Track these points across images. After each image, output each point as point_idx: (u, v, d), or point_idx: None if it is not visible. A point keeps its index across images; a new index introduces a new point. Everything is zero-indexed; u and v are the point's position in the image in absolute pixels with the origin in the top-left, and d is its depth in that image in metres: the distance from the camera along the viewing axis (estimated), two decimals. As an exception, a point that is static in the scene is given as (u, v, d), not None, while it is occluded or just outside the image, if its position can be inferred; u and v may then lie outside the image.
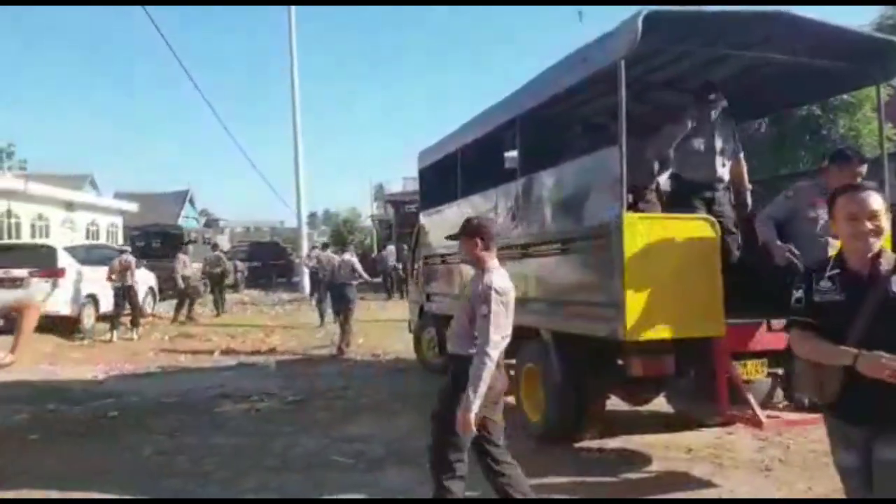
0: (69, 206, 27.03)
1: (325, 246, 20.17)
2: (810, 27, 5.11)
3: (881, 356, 2.50)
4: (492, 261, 3.85)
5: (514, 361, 6.56)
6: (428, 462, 3.90)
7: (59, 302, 13.56)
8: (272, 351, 12.49)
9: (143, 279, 15.97)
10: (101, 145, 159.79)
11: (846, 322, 2.58)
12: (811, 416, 5.10)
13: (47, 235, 24.38)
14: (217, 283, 18.85)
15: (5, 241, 20.96)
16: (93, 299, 14.56)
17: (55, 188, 26.49)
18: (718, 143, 5.79)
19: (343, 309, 12.43)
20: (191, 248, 19.77)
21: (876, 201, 2.61)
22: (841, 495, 4.61)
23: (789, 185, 5.67)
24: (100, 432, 6.75)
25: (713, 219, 4.98)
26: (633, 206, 5.28)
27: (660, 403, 6.46)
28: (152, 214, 35.00)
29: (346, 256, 13.29)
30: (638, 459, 5.57)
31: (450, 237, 4.14)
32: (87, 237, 27.53)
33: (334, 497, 4.84)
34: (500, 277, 3.77)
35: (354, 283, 12.55)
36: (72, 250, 14.74)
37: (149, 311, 16.68)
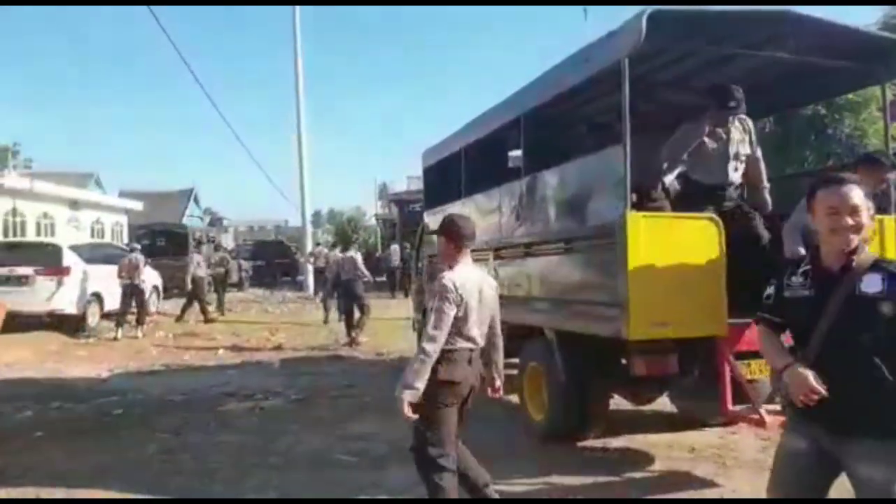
0: (74, 204, 27.08)
1: (333, 245, 20.34)
2: (816, 26, 5.10)
3: (807, 376, 2.49)
4: (461, 259, 3.94)
5: (517, 360, 6.59)
6: (415, 464, 3.92)
7: (65, 300, 13.63)
8: (276, 349, 12.52)
9: (149, 278, 16.02)
10: (105, 144, 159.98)
11: (813, 319, 2.56)
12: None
13: (52, 234, 24.44)
14: (220, 282, 18.90)
15: (11, 239, 21.03)
16: (98, 298, 14.62)
17: (60, 187, 26.56)
18: (733, 149, 5.71)
19: (356, 304, 12.89)
20: (204, 248, 19.84)
21: (857, 196, 2.55)
22: (842, 493, 4.64)
23: (794, 184, 5.65)
24: (104, 430, 6.78)
25: (717, 218, 4.97)
26: (641, 206, 5.28)
27: (663, 403, 6.45)
28: (157, 213, 35.11)
29: (350, 254, 13.54)
30: (641, 459, 5.57)
31: (430, 232, 4.19)
32: (92, 236, 27.57)
33: (338, 497, 4.85)
34: (458, 275, 3.83)
35: (360, 279, 12.81)
36: (77, 249, 14.78)
37: (153, 309, 16.72)
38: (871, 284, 2.48)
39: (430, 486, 3.79)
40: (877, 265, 2.53)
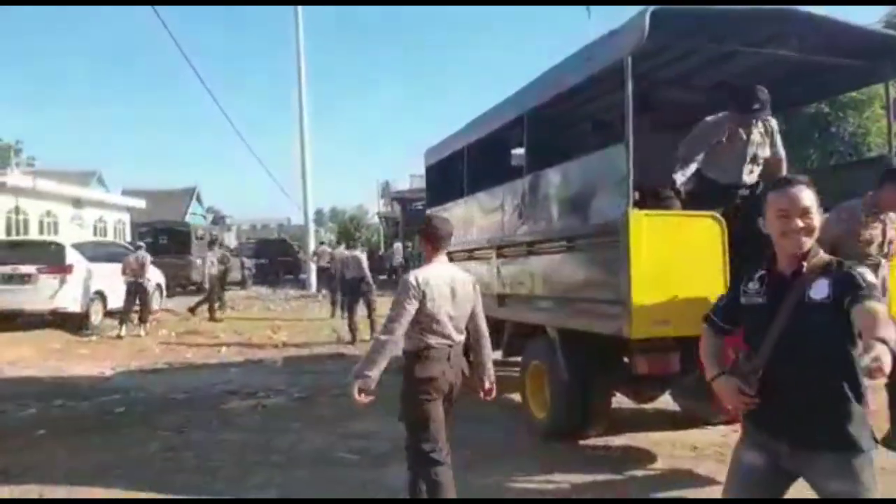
0: (77, 202, 27.10)
1: (337, 243, 20.49)
2: (819, 24, 5.09)
3: (733, 385, 2.49)
4: (436, 259, 4.01)
5: (519, 359, 6.59)
6: (407, 463, 3.97)
7: (68, 298, 13.65)
8: (279, 347, 12.53)
9: (152, 276, 16.04)
10: (108, 142, 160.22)
11: (765, 326, 2.48)
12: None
13: (55, 232, 24.47)
14: (220, 280, 18.97)
15: (14, 237, 21.06)
16: (100, 296, 14.63)
17: (63, 185, 26.57)
18: (751, 151, 5.56)
19: (363, 301, 13.08)
20: (216, 247, 19.93)
21: (808, 197, 2.46)
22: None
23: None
24: (107, 428, 6.79)
25: (720, 216, 4.96)
26: (649, 204, 5.28)
27: (665, 401, 6.44)
28: (160, 211, 35.13)
29: (356, 253, 13.74)
30: (643, 457, 5.57)
31: (416, 231, 4.24)
32: (95, 234, 27.58)
33: (340, 495, 4.85)
34: (424, 272, 3.90)
35: (365, 277, 12.95)
36: (80, 247, 14.80)
37: (156, 307, 16.74)
38: (820, 290, 2.38)
39: (428, 482, 3.83)
40: (827, 269, 2.42)
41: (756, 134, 5.53)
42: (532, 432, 6.15)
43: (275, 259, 34.90)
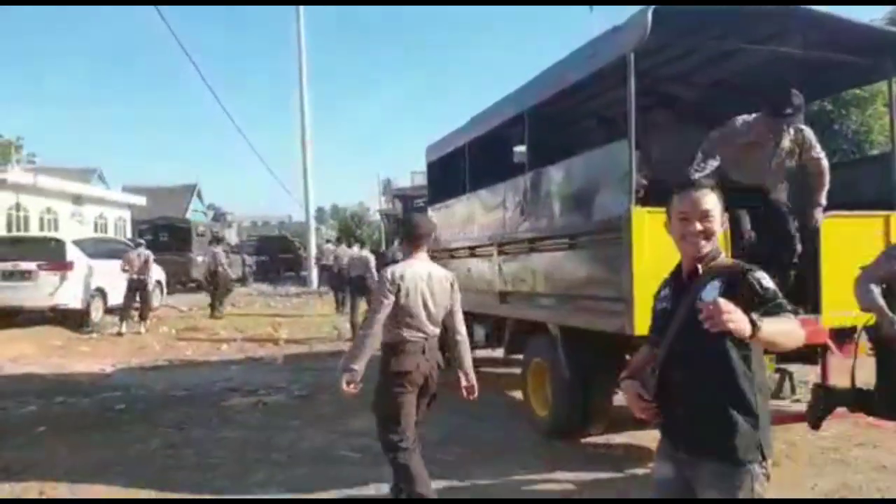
0: (77, 199, 27.09)
1: (337, 241, 20.57)
2: (822, 21, 5.07)
3: (630, 389, 2.51)
4: (415, 255, 4.16)
5: (521, 356, 6.58)
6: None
7: (68, 295, 13.63)
8: (279, 345, 12.53)
9: (153, 273, 16.04)
10: (109, 140, 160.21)
11: (666, 330, 2.46)
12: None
13: (56, 229, 24.46)
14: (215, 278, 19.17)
15: (14, 234, 21.06)
16: (101, 292, 14.61)
17: (64, 182, 26.55)
18: (779, 158, 5.28)
19: (366, 299, 13.00)
20: (223, 243, 20.04)
21: (709, 201, 2.44)
22: (847, 493, 4.63)
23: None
24: (107, 425, 6.78)
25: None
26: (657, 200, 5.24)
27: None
28: (160, 208, 35.05)
29: (364, 253, 13.84)
30: (645, 455, 5.54)
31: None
32: (96, 230, 27.56)
33: (341, 492, 4.84)
34: (400, 268, 4.05)
35: (370, 275, 12.98)
36: (80, 244, 14.79)
37: (156, 304, 16.74)
38: (710, 292, 2.33)
39: (395, 466, 4.05)
40: (720, 272, 2.39)
41: (787, 141, 5.24)
42: (534, 430, 6.14)
43: (276, 256, 34.93)
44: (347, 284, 14.64)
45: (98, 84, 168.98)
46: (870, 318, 4.37)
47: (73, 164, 39.38)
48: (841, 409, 5.17)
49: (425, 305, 4.04)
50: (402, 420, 4.02)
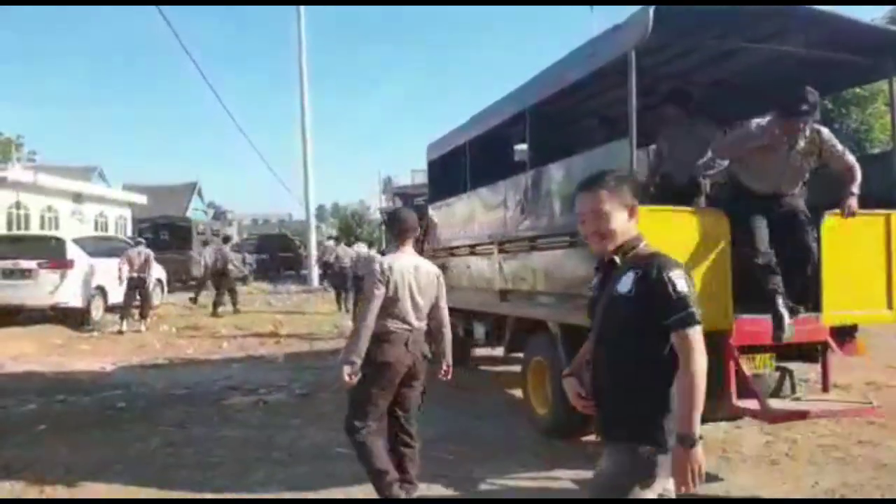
0: (78, 197, 27.09)
1: (336, 239, 20.64)
2: (823, 20, 5.06)
3: (568, 384, 2.58)
4: (402, 248, 4.31)
5: (521, 355, 6.57)
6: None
7: (68, 293, 13.64)
8: (280, 343, 12.53)
9: (153, 271, 16.05)
10: (109, 138, 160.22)
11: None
12: (819, 410, 5.10)
13: (56, 227, 24.47)
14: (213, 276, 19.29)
15: (15, 232, 21.06)
16: (101, 291, 14.62)
17: (64, 180, 26.55)
18: (795, 161, 5.00)
19: None
20: (231, 242, 20.13)
21: (600, 201, 2.46)
22: (847, 491, 4.63)
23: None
24: (108, 424, 6.78)
25: (722, 212, 4.93)
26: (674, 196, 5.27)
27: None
28: (161, 207, 35.09)
29: (372, 252, 13.86)
30: (645, 453, 5.55)
31: (380, 224, 4.38)
32: (96, 229, 27.59)
33: (341, 491, 4.84)
34: (389, 260, 4.19)
35: None
36: (81, 242, 14.79)
37: (157, 302, 16.74)
38: (624, 283, 2.39)
39: (355, 445, 4.20)
40: (637, 263, 2.43)
41: (802, 142, 4.95)
42: (534, 428, 6.14)
43: (276, 255, 34.93)
44: (348, 282, 14.66)
45: (98, 83, 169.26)
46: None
47: (74, 163, 39.51)
48: (841, 407, 5.19)
49: (412, 297, 4.16)
50: (369, 410, 4.15)
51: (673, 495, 2.40)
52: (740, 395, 4.86)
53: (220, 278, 17.04)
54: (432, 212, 9.31)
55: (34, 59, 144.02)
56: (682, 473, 2.31)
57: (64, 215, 25.80)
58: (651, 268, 2.36)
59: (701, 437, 2.32)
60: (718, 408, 5.81)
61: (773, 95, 5.20)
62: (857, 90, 14.88)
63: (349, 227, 50.03)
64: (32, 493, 4.93)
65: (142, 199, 32.88)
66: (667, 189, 5.90)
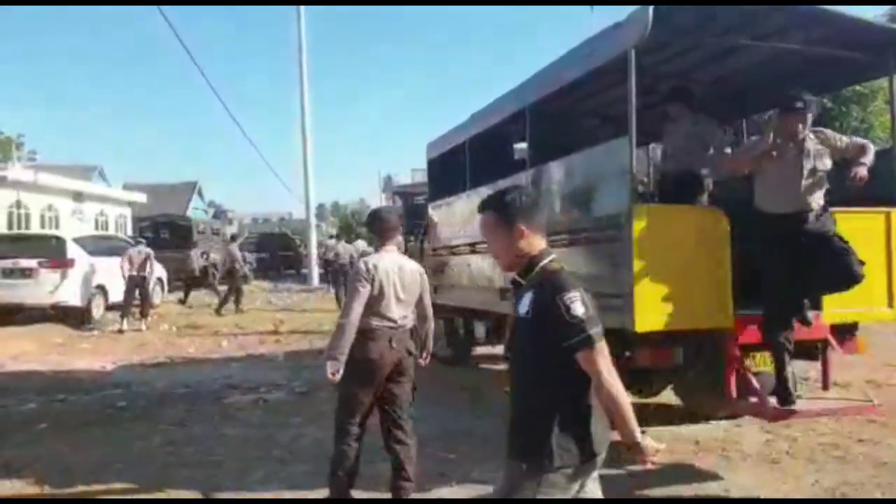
0: (78, 196, 27.09)
1: (337, 237, 20.73)
2: (824, 18, 5.06)
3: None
4: (385, 247, 4.35)
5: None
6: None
7: (69, 292, 13.65)
8: (280, 342, 12.52)
9: (154, 270, 16.04)
10: (110, 137, 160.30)
11: None
12: (819, 408, 5.10)
13: (57, 226, 24.46)
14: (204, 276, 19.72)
15: (15, 231, 21.06)
16: (102, 290, 14.62)
17: (64, 179, 26.55)
18: (808, 164, 4.69)
19: None
20: (238, 240, 20.18)
21: (484, 224, 2.56)
22: (848, 490, 4.63)
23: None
24: (109, 422, 6.79)
25: (722, 211, 4.92)
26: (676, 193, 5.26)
27: (667, 396, 6.44)
28: (161, 205, 35.06)
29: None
30: (645, 452, 5.55)
31: (362, 224, 4.40)
32: (97, 228, 27.59)
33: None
34: (374, 259, 4.24)
35: None
36: (81, 241, 14.79)
37: (157, 301, 16.74)
38: (524, 305, 2.41)
39: (334, 446, 4.26)
40: (534, 284, 2.42)
41: (810, 144, 4.71)
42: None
43: (276, 253, 34.91)
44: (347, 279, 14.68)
45: (99, 82, 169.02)
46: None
47: (74, 162, 39.42)
48: (842, 406, 5.18)
49: (396, 295, 4.21)
50: (356, 407, 4.21)
51: None
52: (740, 394, 4.87)
53: (228, 277, 17.17)
54: (432, 211, 9.31)
55: (34, 59, 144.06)
56: (643, 462, 2.37)
57: (64, 214, 25.79)
58: (545, 290, 2.36)
59: (644, 432, 2.33)
60: (719, 406, 5.85)
61: (773, 93, 5.21)
62: (858, 88, 14.84)
63: (349, 225, 50.08)
64: (33, 491, 4.94)
65: (142, 198, 32.87)
66: (669, 187, 5.91)
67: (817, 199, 4.73)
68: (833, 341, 5.17)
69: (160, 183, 48.19)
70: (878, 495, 4.56)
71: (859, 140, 4.94)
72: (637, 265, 4.58)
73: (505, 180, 6.89)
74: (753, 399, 4.81)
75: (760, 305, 4.91)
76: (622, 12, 4.85)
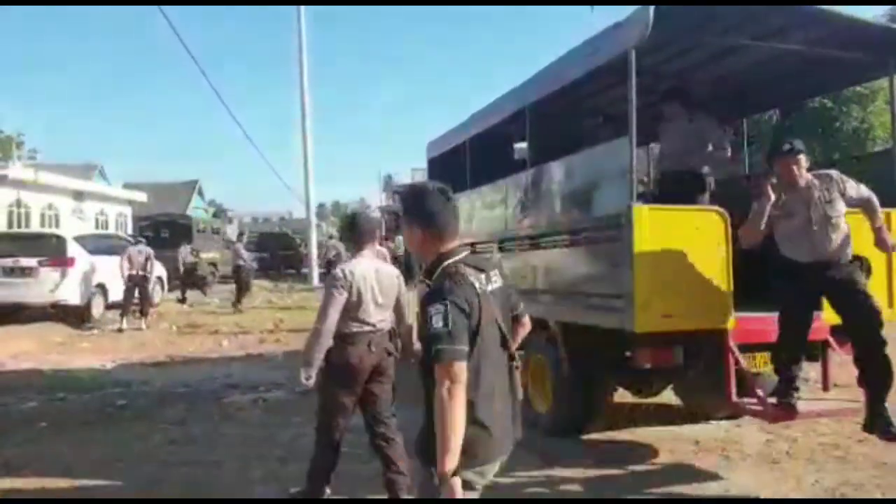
0: (78, 195, 27.09)
1: (340, 237, 20.84)
2: (824, 18, 5.06)
3: None
4: (362, 253, 4.35)
5: (521, 352, 6.55)
6: None
7: (69, 291, 13.64)
8: (280, 341, 12.51)
9: (153, 269, 16.04)
10: (110, 136, 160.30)
11: None
12: (820, 409, 5.10)
13: (57, 225, 24.45)
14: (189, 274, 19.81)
15: (15, 230, 21.05)
16: (102, 289, 14.62)
17: (65, 178, 26.55)
18: (816, 212, 4.49)
19: None
20: (244, 238, 20.23)
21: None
22: (848, 490, 4.63)
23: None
24: (109, 421, 6.79)
25: (722, 210, 4.92)
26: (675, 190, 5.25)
27: (668, 396, 6.44)
28: (161, 204, 35.07)
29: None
30: (645, 451, 5.56)
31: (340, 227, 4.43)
32: (97, 227, 27.60)
33: (341, 490, 4.84)
34: (350, 265, 4.25)
35: None
36: (81, 240, 14.78)
37: (157, 300, 16.74)
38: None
39: (316, 446, 4.37)
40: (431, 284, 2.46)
41: (815, 191, 4.53)
42: (534, 426, 6.13)
43: (276, 253, 34.88)
44: None
45: (99, 81, 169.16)
46: None
47: (74, 161, 39.46)
48: (842, 406, 5.18)
49: (374, 300, 4.25)
50: (337, 410, 4.28)
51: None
52: (740, 394, 4.87)
53: (235, 274, 17.27)
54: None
55: (35, 58, 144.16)
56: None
57: (64, 213, 25.78)
58: (423, 298, 2.39)
59: (456, 474, 2.26)
60: (719, 406, 5.86)
61: (773, 93, 5.22)
62: (858, 88, 14.86)
63: (349, 225, 49.83)
64: (33, 490, 4.93)
65: (142, 197, 32.87)
66: (669, 186, 5.91)
67: (837, 247, 4.52)
68: (833, 342, 5.17)
69: (160, 182, 48.15)
70: (878, 495, 4.56)
71: (864, 191, 4.67)
72: (637, 265, 4.58)
73: (505, 180, 6.91)
74: (753, 399, 4.81)
75: (761, 306, 4.91)
76: (622, 12, 4.86)
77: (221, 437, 6.18)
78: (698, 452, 5.49)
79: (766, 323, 4.97)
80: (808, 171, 4.59)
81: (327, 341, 4.15)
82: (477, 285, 2.39)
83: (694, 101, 6.16)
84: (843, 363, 5.63)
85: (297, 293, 22.52)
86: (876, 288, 5.06)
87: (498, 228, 6.93)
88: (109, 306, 14.82)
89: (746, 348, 4.90)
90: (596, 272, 5.26)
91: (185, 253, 19.89)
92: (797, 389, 4.74)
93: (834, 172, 4.67)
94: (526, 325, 2.81)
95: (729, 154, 6.27)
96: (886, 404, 4.47)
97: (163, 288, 18.00)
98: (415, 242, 2.57)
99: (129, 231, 27.40)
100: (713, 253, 4.78)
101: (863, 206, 4.66)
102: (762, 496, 4.60)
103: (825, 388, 5.45)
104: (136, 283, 14.04)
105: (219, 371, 9.53)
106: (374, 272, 4.30)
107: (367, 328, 4.24)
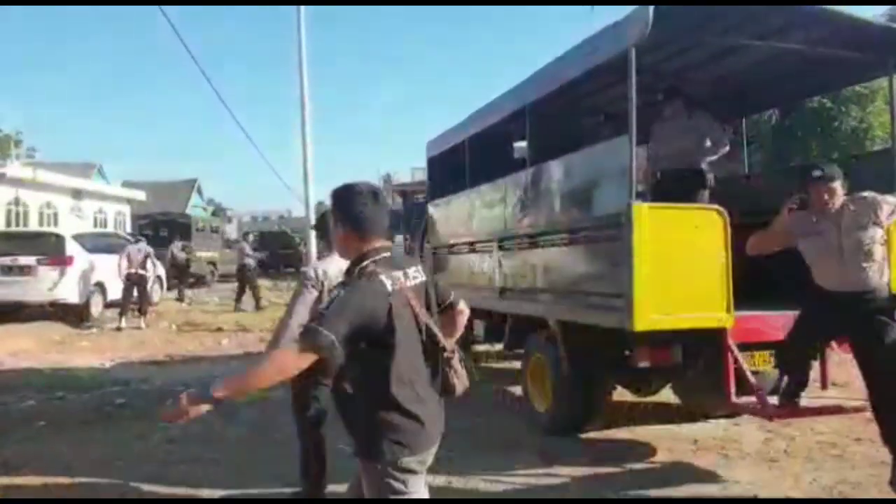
0: (77, 194, 27.03)
1: None
2: (824, 17, 5.07)
3: None
4: (331, 254, 4.23)
5: (521, 352, 6.57)
6: None
7: (67, 290, 13.63)
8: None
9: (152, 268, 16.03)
10: (109, 135, 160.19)
11: None
12: (819, 407, 5.10)
13: (55, 223, 24.40)
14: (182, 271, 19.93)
15: (14, 228, 21.03)
16: (101, 287, 14.61)
17: (63, 176, 26.50)
18: (849, 239, 4.29)
19: None
20: (250, 237, 20.23)
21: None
22: (846, 488, 4.63)
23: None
24: (108, 420, 6.80)
25: (721, 209, 4.92)
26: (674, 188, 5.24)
27: (666, 395, 6.44)
28: (160, 203, 35.01)
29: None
30: (644, 450, 5.56)
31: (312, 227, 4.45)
32: (95, 225, 27.55)
33: (340, 488, 4.84)
34: (322, 265, 4.24)
35: None
36: (80, 238, 14.77)
37: (156, 299, 16.72)
38: None
39: (301, 445, 4.52)
40: None
41: (848, 216, 4.32)
42: (533, 425, 6.14)
43: (275, 251, 34.84)
44: None
45: (99, 80, 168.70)
46: None
47: (73, 159, 39.33)
48: (840, 405, 5.19)
49: None
50: (311, 406, 4.42)
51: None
52: (739, 393, 4.87)
53: (239, 273, 17.27)
54: (432, 209, 9.30)
55: (35, 58, 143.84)
56: (172, 416, 2.30)
57: (63, 212, 25.73)
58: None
59: (219, 401, 2.26)
60: (717, 405, 5.86)
61: (773, 93, 5.22)
62: (857, 88, 14.83)
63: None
64: (32, 489, 4.93)
65: (141, 196, 32.81)
66: (669, 184, 5.92)
67: (870, 276, 4.30)
68: (832, 341, 5.18)
69: (159, 181, 48.07)
70: (875, 494, 4.56)
71: None
72: (636, 264, 4.58)
73: (505, 179, 6.90)
74: (752, 398, 4.81)
75: (760, 304, 4.91)
76: (622, 12, 4.86)
77: (221, 436, 6.18)
78: (697, 451, 5.50)
79: (766, 322, 4.98)
80: (845, 195, 4.37)
81: (289, 342, 4.15)
82: (389, 284, 2.41)
83: (694, 100, 6.17)
84: (841, 362, 5.65)
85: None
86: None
87: (497, 227, 6.93)
88: (108, 305, 14.81)
89: (745, 347, 4.90)
90: (595, 271, 5.26)
91: (175, 249, 19.88)
92: (804, 390, 4.75)
93: (870, 195, 4.42)
94: (464, 311, 2.86)
95: (728, 149, 6.27)
96: None
97: (162, 287, 17.98)
98: (339, 241, 2.62)
99: (128, 230, 27.37)
100: (713, 252, 4.78)
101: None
102: (760, 495, 4.60)
103: (824, 386, 5.46)
104: (135, 282, 14.03)
105: (218, 370, 9.50)
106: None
107: None
